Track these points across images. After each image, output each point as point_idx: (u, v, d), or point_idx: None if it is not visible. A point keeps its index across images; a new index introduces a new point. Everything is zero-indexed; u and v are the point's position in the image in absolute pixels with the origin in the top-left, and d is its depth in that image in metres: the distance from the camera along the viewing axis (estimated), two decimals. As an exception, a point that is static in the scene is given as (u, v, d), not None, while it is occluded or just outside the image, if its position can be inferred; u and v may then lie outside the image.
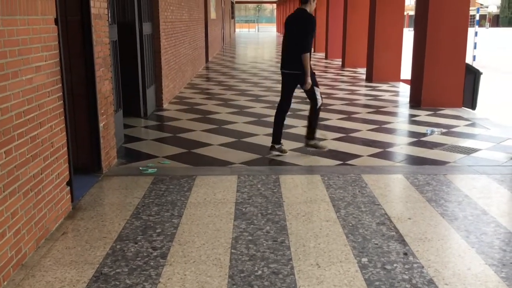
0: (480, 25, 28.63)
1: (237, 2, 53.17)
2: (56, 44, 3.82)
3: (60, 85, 3.89)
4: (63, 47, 4.00)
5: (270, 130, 7.01)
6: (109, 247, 3.45)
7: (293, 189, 4.65)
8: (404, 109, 8.95)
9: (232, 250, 3.41)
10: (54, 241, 3.57)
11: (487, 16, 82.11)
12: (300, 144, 6.27)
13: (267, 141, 6.43)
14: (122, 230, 3.73)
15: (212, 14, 19.88)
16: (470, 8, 9.13)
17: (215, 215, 4.03)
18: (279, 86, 11.68)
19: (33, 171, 3.41)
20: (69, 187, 4.07)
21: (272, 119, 7.81)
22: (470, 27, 9.25)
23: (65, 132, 3.98)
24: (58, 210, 3.84)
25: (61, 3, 4.38)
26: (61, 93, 3.91)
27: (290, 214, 4.04)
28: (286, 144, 6.28)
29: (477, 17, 19.91)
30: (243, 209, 4.15)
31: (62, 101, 3.92)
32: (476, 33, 18.72)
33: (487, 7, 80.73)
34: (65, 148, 3.99)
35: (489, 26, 76.48)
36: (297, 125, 7.43)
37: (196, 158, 5.73)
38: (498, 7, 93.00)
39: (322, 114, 8.25)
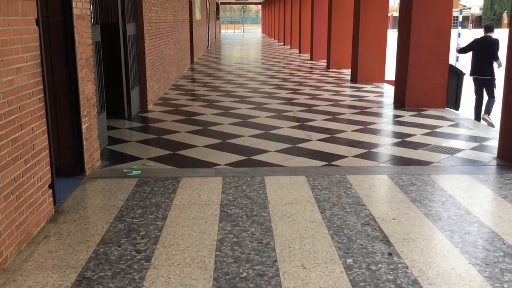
0: (463, 26, 28.90)
1: (222, 3, 53.12)
2: (37, 45, 3.76)
3: (42, 86, 3.84)
4: (44, 48, 3.95)
5: (256, 132, 7.05)
6: (92, 251, 3.41)
7: (278, 190, 4.64)
8: (388, 110, 9.00)
9: (217, 252, 3.38)
10: (36, 244, 3.52)
11: (470, 17, 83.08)
12: (285, 145, 6.26)
13: (253, 143, 6.42)
14: (106, 233, 3.69)
15: (197, 15, 19.83)
16: (453, 10, 9.21)
17: (200, 217, 4.00)
18: (264, 88, 11.78)
19: (14, 174, 3.36)
20: (51, 190, 4.02)
21: (257, 120, 7.85)
22: (453, 28, 9.32)
23: (46, 134, 3.92)
24: (40, 213, 3.78)
25: (42, 3, 4.33)
26: (43, 95, 3.85)
27: (275, 216, 4.02)
28: (270, 145, 6.28)
29: (460, 18, 20.10)
30: (228, 211, 4.13)
31: (43, 103, 3.87)
32: (459, 34, 18.90)
33: (470, 8, 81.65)
34: (47, 151, 3.93)
35: (472, 27, 77.31)
36: (282, 126, 7.43)
37: (181, 160, 5.69)
38: (480, 9, 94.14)
39: (307, 115, 8.28)
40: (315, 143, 6.44)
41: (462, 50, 9.62)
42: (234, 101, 9.79)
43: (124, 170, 5.22)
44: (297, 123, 7.66)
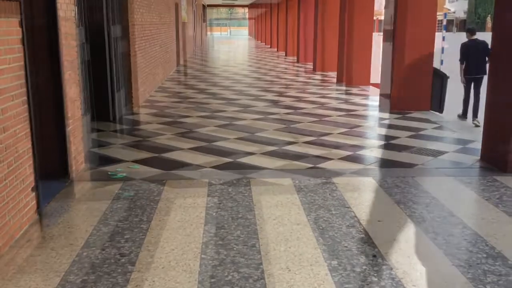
0: (448, 30, 29.20)
1: (209, 6, 53.07)
2: (20, 47, 3.73)
3: (25, 89, 3.80)
4: (28, 50, 3.91)
5: (242, 134, 7.04)
6: (76, 254, 3.38)
7: (264, 193, 4.64)
8: (373, 112, 9.06)
9: (202, 256, 3.37)
10: (18, 248, 3.48)
11: (454, 21, 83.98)
12: (270, 148, 6.27)
13: (238, 145, 6.42)
14: (89, 237, 3.65)
15: (184, 17, 19.78)
16: (438, 13, 9.29)
17: (185, 220, 3.98)
18: (250, 90, 11.79)
19: (-4, 177, 3.32)
20: (34, 193, 3.97)
21: (243, 122, 7.85)
22: (438, 31, 9.41)
23: (30, 137, 3.88)
24: (22, 216, 3.74)
25: (26, 5, 4.28)
26: (26, 97, 3.82)
27: (261, 218, 4.02)
28: (256, 147, 6.28)
29: (445, 22, 20.30)
30: (214, 214, 4.12)
31: (27, 105, 3.83)
32: (443, 38, 19.07)
33: (454, 12, 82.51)
34: (30, 153, 3.89)
35: (457, 31, 78.13)
36: (268, 129, 7.44)
37: (166, 163, 5.67)
38: (465, 12, 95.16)
39: (293, 117, 8.30)
40: (301, 145, 6.45)
41: (462, 60, 9.49)
42: (220, 103, 9.78)
43: (109, 172, 5.18)
44: (283, 126, 7.68)
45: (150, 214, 4.09)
